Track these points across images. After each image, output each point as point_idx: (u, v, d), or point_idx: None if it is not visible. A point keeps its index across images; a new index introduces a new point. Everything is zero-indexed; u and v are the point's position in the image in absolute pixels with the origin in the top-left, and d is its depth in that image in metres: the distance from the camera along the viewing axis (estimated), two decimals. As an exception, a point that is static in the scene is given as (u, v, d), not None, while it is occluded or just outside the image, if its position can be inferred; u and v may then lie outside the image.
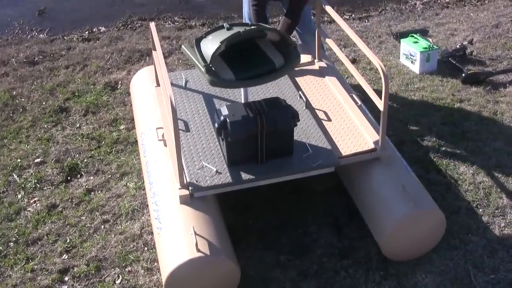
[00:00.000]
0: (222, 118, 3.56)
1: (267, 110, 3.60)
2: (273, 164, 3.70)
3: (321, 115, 4.18)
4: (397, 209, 3.57)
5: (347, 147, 3.87)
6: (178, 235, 3.38)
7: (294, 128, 3.71)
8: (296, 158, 3.76)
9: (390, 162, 3.84)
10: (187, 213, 3.48)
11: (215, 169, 3.67)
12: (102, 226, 4.13)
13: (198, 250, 3.25)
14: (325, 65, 4.73)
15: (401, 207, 3.57)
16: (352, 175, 4.00)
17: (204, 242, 3.30)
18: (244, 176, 3.63)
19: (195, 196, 3.56)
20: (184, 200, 3.53)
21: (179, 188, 3.55)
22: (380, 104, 3.66)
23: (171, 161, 3.72)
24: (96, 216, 4.21)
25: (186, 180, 3.60)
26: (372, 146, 3.85)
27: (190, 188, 3.55)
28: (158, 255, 3.52)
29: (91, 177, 4.59)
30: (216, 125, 3.61)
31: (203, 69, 3.59)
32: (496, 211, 4.12)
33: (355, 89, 4.58)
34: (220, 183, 3.59)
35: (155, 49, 3.98)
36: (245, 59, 3.73)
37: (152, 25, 4.13)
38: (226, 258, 3.34)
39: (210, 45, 3.60)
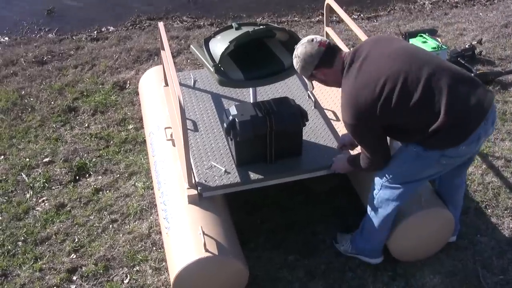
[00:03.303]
0: (231, 117, 3.56)
1: (276, 110, 3.60)
2: (282, 164, 3.70)
3: (329, 114, 4.17)
4: (406, 209, 3.55)
5: (355, 147, 3.86)
6: (187, 235, 3.38)
7: (303, 128, 3.70)
8: (305, 158, 3.75)
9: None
10: (195, 213, 3.48)
11: (223, 169, 3.67)
12: (111, 226, 4.13)
13: (207, 250, 3.24)
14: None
15: (410, 207, 3.55)
16: (359, 175, 3.98)
17: (213, 242, 3.30)
18: (253, 176, 3.63)
19: (203, 196, 3.56)
20: (192, 200, 3.53)
21: (188, 188, 3.55)
22: None
23: (180, 161, 3.72)
24: (105, 215, 4.22)
25: (195, 180, 3.60)
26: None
27: (198, 188, 3.55)
28: (166, 255, 3.52)
29: (100, 177, 4.59)
30: (225, 125, 3.60)
31: (212, 69, 3.59)
32: (505, 212, 4.10)
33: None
34: (228, 183, 3.59)
35: (163, 49, 3.98)
36: (254, 59, 3.72)
37: (161, 24, 4.13)
38: (234, 258, 3.33)
39: (219, 45, 3.60)
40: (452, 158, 3.18)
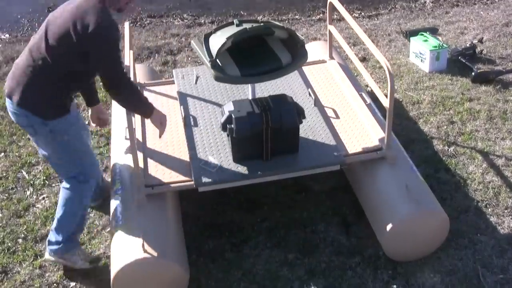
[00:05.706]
0: (227, 113, 3.57)
1: (273, 106, 3.60)
2: (278, 161, 3.70)
3: (329, 112, 4.17)
4: (400, 209, 3.55)
5: (353, 145, 3.86)
6: (129, 235, 3.35)
7: (301, 125, 3.70)
8: (302, 155, 3.75)
9: (395, 161, 3.82)
10: (141, 213, 3.46)
11: (219, 164, 3.67)
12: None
13: (145, 251, 3.21)
14: (336, 64, 4.72)
15: (404, 207, 3.55)
16: (357, 174, 3.98)
17: (154, 244, 3.26)
18: (249, 172, 3.62)
19: (153, 195, 3.55)
20: (140, 200, 3.51)
21: (137, 188, 3.54)
22: (386, 102, 3.64)
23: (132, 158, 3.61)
24: (104, 213, 4.21)
25: (146, 179, 3.60)
26: (377, 144, 3.84)
27: (195, 182, 3.56)
28: (111, 254, 3.45)
29: (100, 174, 4.59)
30: (222, 120, 3.61)
31: (208, 64, 3.59)
32: (506, 211, 4.10)
33: (366, 88, 4.55)
34: (224, 178, 3.59)
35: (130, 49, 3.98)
36: (252, 56, 3.72)
37: (127, 25, 4.15)
38: (173, 261, 3.30)
39: (217, 41, 3.60)
40: None
